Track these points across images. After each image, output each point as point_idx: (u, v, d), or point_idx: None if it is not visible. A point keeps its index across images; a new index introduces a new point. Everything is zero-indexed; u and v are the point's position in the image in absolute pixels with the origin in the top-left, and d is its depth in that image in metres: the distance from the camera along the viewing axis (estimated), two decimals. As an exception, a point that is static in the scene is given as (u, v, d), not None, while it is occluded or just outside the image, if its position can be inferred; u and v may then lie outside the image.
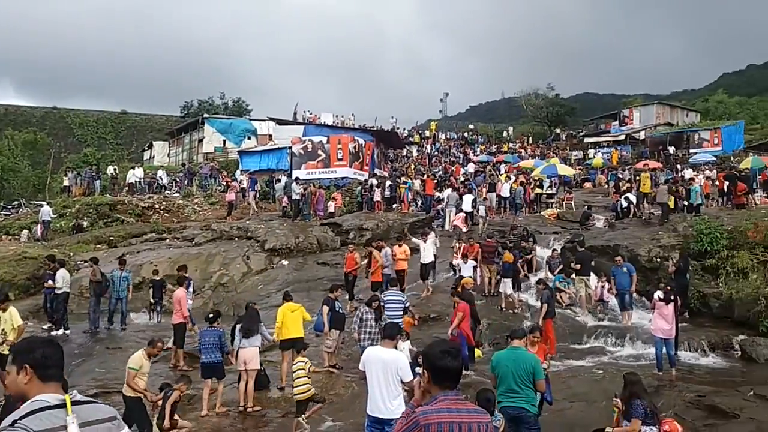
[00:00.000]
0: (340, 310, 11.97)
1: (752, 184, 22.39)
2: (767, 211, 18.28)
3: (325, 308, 11.77)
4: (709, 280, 15.68)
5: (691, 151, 41.79)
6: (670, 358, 11.16)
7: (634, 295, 15.47)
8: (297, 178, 26.56)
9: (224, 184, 32.52)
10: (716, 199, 24.27)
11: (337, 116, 49.42)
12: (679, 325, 12.86)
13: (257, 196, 29.28)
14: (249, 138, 42.92)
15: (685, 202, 20.90)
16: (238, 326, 10.35)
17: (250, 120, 47.01)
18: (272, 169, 34.24)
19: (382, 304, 11.98)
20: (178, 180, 35.70)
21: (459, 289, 12.84)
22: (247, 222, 24.77)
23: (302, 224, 24.02)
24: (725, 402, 9.17)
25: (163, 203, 30.32)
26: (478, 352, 13.02)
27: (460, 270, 16.83)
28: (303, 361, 9.06)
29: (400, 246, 16.71)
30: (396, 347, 7.38)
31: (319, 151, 32.26)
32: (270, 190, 30.66)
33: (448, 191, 26.08)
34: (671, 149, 42.93)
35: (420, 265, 17.17)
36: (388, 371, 6.25)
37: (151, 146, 54.03)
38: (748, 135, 46.18)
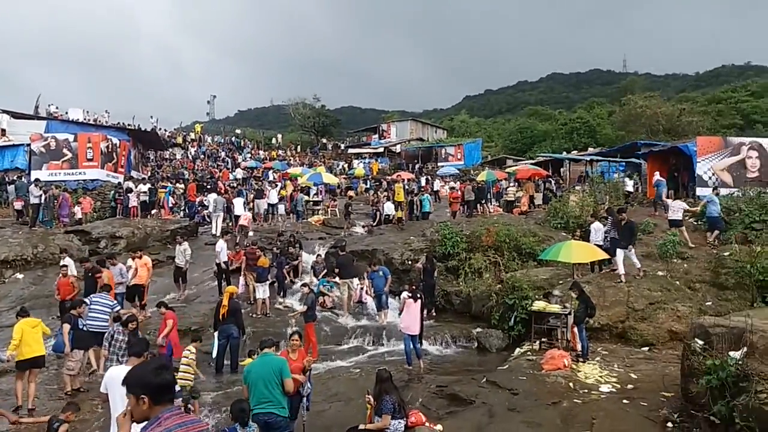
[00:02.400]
0: (84, 328, 10.70)
1: (486, 195, 25.53)
2: (498, 218, 20.93)
3: (66, 326, 10.47)
4: (452, 279, 17.35)
5: (439, 164, 46.30)
6: (417, 352, 12.07)
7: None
8: (36, 180, 23.32)
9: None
10: (459, 208, 27.10)
11: (88, 112, 44.72)
12: (427, 321, 14.09)
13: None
14: (-25, 132, 36.59)
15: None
16: None
17: (-22, 112, 40.08)
18: (7, 168, 29.61)
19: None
20: None
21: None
22: (-29, 230, 21.04)
23: (42, 232, 21.14)
24: (464, 390, 10.14)
25: None
26: (248, 361, 12.69)
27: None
28: (192, 351, 9.96)
29: (140, 258, 15.64)
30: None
31: (65, 150, 28.74)
32: (1, 193, 26.44)
33: (213, 195, 25.31)
34: (420, 163, 47.19)
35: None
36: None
37: None
38: (484, 151, 52.72)
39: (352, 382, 11.09)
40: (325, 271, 17.91)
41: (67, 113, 42.06)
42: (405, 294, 12.23)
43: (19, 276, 18.77)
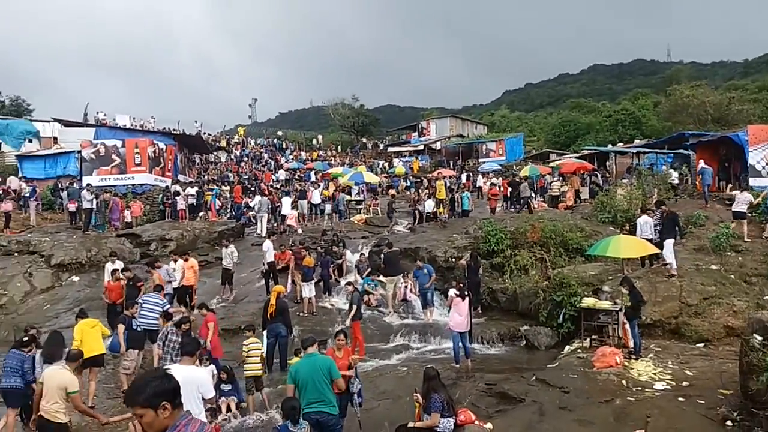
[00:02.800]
0: (138, 329, 11.06)
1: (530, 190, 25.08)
2: (543, 214, 20.63)
3: (121, 327, 10.85)
4: (497, 276, 17.18)
5: (480, 160, 45.85)
6: (465, 350, 12.01)
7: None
8: (88, 185, 24.15)
9: (0, 192, 28.42)
10: (502, 204, 26.82)
11: (134, 118, 45.99)
12: (473, 319, 13.99)
13: (40, 206, 26.03)
14: (30, 141, 38.07)
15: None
16: (38, 352, 9.21)
17: (32, 121, 41.69)
18: (60, 175, 30.72)
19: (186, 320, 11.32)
20: (-58, 189, 30.47)
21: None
22: (29, 235, 21.91)
23: (95, 236, 21.87)
24: (513, 388, 10.06)
25: None
26: (296, 359, 12.86)
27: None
28: (258, 342, 10.59)
29: (186, 261, 16.02)
30: (196, 365, 7.00)
31: (114, 156, 29.74)
32: (56, 199, 27.46)
33: (258, 197, 25.80)
34: (460, 159, 46.88)
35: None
36: (186, 389, 5.86)
37: None
38: (527, 146, 51.93)
39: (400, 380, 11.12)
40: (369, 269, 18.01)
41: (114, 120, 43.38)
42: (452, 292, 12.15)
43: (75, 279, 19.43)
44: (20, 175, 29.78)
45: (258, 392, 10.19)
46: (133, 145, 30.35)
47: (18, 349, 9.02)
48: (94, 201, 22.60)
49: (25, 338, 9.32)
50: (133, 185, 29.64)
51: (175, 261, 16.17)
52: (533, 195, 25.64)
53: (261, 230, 23.64)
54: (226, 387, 9.82)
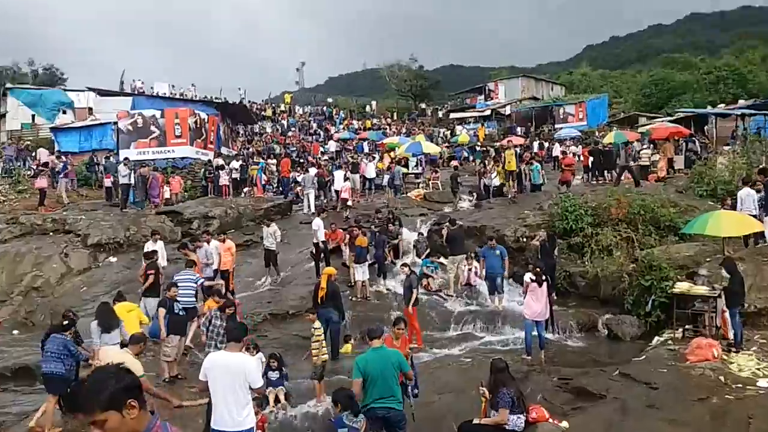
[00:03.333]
0: (180, 312, 11.45)
1: (615, 160, 24.34)
2: (630, 187, 20.06)
3: (162, 311, 11.24)
4: (575, 258, 16.86)
5: (557, 126, 44.86)
6: (540, 340, 11.92)
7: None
8: (126, 159, 25.00)
9: (34, 167, 29.85)
10: (582, 176, 26.26)
11: (173, 86, 47.32)
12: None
13: (75, 182, 27.16)
14: (64, 112, 39.72)
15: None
16: (94, 323, 10.03)
17: (66, 90, 43.49)
18: (96, 149, 31.88)
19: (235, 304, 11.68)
20: (-27, 164, 32.27)
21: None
22: (65, 213, 22.94)
23: (134, 214, 22.69)
24: (592, 383, 9.97)
25: (-46, 193, 27.23)
26: (348, 346, 13.16)
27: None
28: (319, 327, 10.64)
29: (223, 242, 16.36)
30: (243, 351, 7.23)
31: (153, 127, 30.52)
32: (92, 174, 28.56)
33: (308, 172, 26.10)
34: (533, 126, 46.05)
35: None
36: (234, 378, 6.09)
37: (-66, 123, 48.25)
38: (611, 109, 50.51)
39: (463, 372, 11.17)
40: (429, 250, 18.01)
41: (152, 88, 44.69)
42: (528, 277, 12.05)
43: (113, 259, 20.20)
44: (56, 150, 31.11)
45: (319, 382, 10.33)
46: (172, 116, 30.97)
47: (59, 332, 9.58)
48: (132, 176, 23.28)
49: (65, 322, 9.89)
50: (173, 159, 30.31)
51: (209, 242, 16.22)
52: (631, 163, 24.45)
53: (309, 207, 23.95)
54: (273, 375, 10.01)
